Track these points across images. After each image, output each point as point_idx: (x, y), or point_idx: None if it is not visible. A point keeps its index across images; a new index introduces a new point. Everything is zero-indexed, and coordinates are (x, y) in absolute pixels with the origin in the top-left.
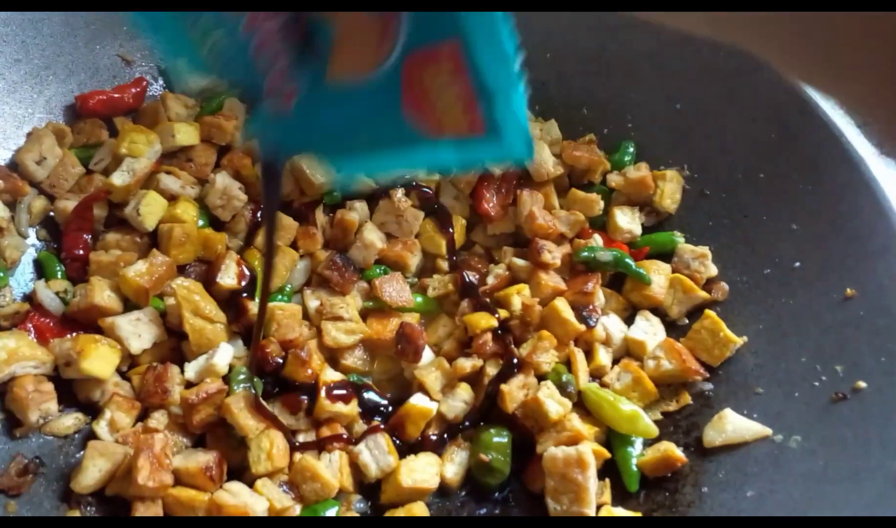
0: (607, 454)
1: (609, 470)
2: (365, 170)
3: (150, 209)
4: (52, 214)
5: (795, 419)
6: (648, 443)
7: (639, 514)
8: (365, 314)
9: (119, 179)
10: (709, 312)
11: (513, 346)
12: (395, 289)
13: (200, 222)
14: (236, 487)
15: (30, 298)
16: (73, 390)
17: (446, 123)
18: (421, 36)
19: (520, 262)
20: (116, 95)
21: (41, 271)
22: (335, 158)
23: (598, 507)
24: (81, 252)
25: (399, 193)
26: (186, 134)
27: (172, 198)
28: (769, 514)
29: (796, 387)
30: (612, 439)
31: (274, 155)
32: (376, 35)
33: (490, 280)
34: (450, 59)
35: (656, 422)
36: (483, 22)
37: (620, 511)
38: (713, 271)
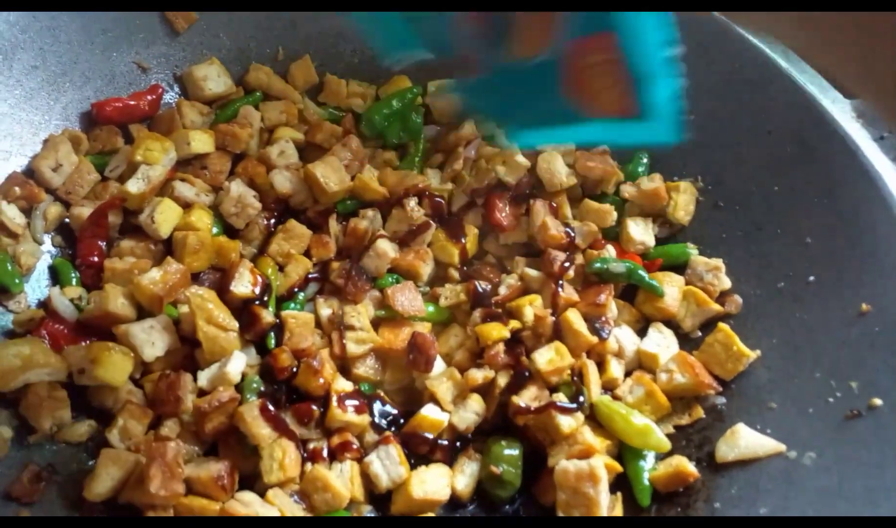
0: (619, 468)
1: (621, 484)
2: (531, 140)
3: (165, 217)
4: (67, 220)
5: (809, 436)
6: (661, 457)
7: None
8: (377, 323)
9: (134, 186)
10: (722, 325)
11: (524, 357)
12: (407, 298)
13: (215, 230)
14: (248, 497)
15: (44, 304)
16: (86, 397)
17: (602, 104)
18: (581, 27)
19: (532, 272)
20: (132, 103)
21: (56, 277)
22: (508, 125)
23: None
24: (96, 259)
25: (412, 203)
26: (201, 141)
27: (187, 205)
28: None
29: (810, 403)
30: (624, 452)
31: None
32: (545, 23)
33: (502, 290)
34: (606, 48)
35: (668, 436)
36: (635, 19)
37: None
38: (727, 283)
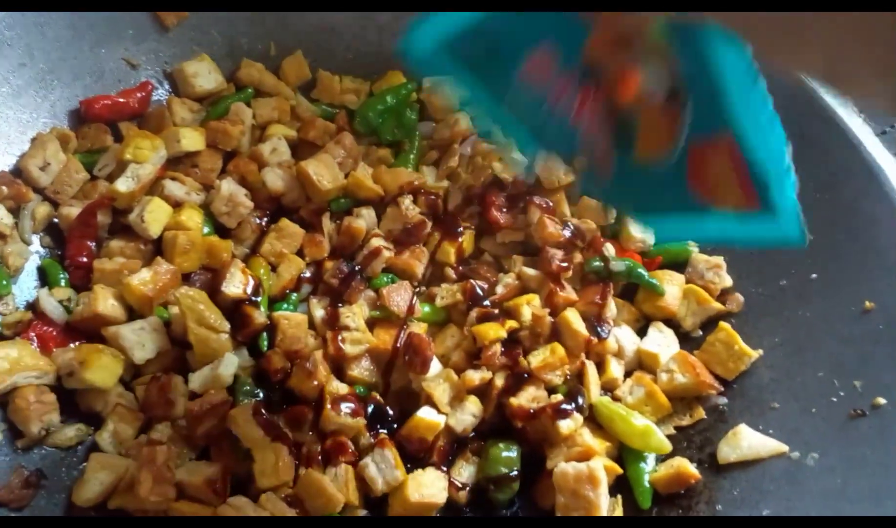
0: (619, 470)
1: (621, 486)
2: (664, 229)
3: (155, 216)
4: (56, 220)
5: (812, 436)
6: (661, 459)
7: None
8: (372, 324)
9: (123, 185)
10: (723, 324)
11: (522, 357)
12: (402, 298)
13: (206, 229)
14: (240, 501)
15: (33, 306)
16: (75, 400)
17: (726, 199)
18: (699, 128)
19: (530, 271)
20: (121, 100)
21: (45, 278)
22: (642, 216)
23: None
24: (85, 260)
25: (407, 201)
26: (192, 139)
27: (177, 204)
28: None
29: (813, 402)
30: (625, 454)
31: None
32: (668, 128)
33: (499, 290)
34: (726, 149)
35: (669, 437)
36: (750, 118)
37: None
38: (728, 281)
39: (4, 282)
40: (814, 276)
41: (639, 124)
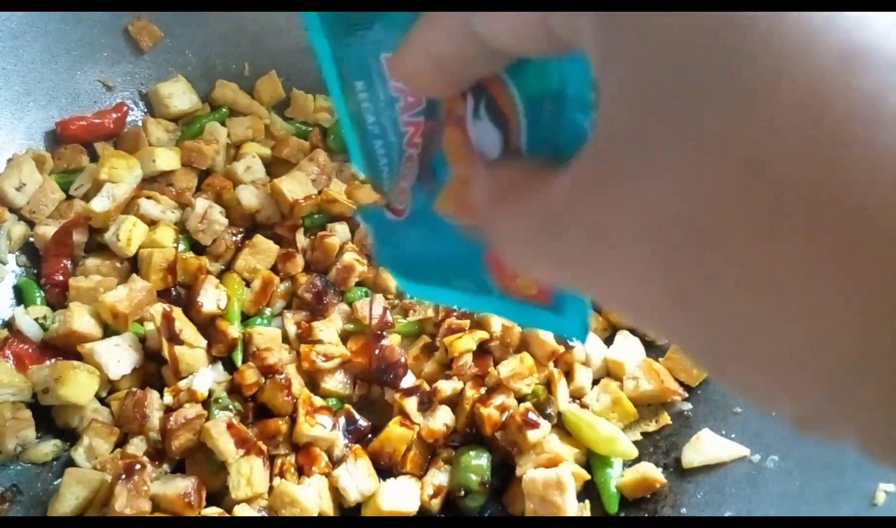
0: (587, 476)
1: (589, 492)
2: (431, 296)
3: (131, 235)
4: (31, 240)
5: (773, 439)
6: (628, 464)
7: None
8: (346, 337)
9: (99, 204)
10: None
11: (492, 367)
12: (376, 311)
13: (181, 247)
14: (215, 513)
15: (9, 324)
16: (51, 416)
17: (518, 288)
18: None
19: None
20: (97, 121)
21: (20, 297)
22: (409, 278)
23: None
24: (61, 278)
25: None
26: (166, 158)
27: (153, 223)
28: None
29: None
30: (592, 460)
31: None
32: (470, 205)
33: None
34: None
35: (636, 443)
36: None
37: None
38: None
39: None
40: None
41: (450, 175)
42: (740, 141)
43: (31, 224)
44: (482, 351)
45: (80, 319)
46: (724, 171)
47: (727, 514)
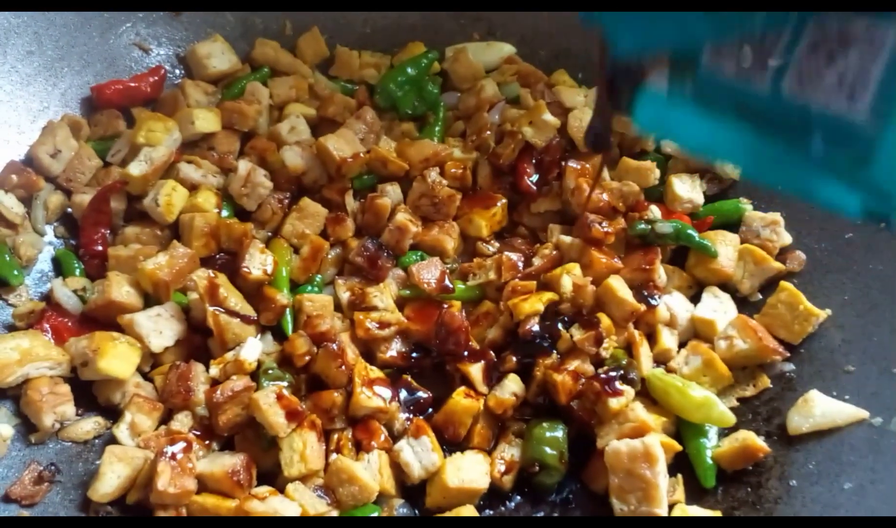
0: (678, 447)
1: (681, 465)
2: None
3: (170, 199)
4: (69, 210)
5: (895, 399)
6: (724, 433)
7: (718, 513)
8: (402, 304)
9: (136, 168)
10: (785, 284)
11: (564, 331)
12: (433, 275)
13: (225, 212)
14: (266, 492)
15: (47, 297)
16: (92, 393)
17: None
18: None
19: (568, 239)
20: (134, 85)
21: (59, 268)
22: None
23: (671, 506)
24: (100, 248)
25: (433, 174)
26: (206, 120)
27: (193, 187)
28: (872, 507)
29: (893, 362)
30: (683, 429)
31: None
32: None
33: (536, 262)
34: None
35: (732, 409)
36: None
37: (696, 510)
38: (787, 238)
39: (16, 272)
40: (882, 225)
41: None
42: None
43: (69, 193)
44: (551, 314)
45: (119, 289)
46: None
47: (847, 486)
